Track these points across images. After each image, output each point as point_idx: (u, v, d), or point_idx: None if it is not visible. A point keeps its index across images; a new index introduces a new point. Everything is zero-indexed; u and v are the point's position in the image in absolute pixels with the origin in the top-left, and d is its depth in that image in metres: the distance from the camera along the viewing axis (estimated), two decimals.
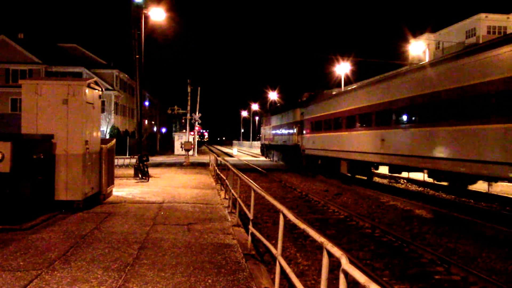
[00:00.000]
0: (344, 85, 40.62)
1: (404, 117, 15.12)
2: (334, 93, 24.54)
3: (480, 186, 14.58)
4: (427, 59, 36.81)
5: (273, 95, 72.35)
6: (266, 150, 44.42)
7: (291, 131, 31.78)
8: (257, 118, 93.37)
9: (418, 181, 20.69)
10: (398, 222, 11.37)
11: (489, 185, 15.87)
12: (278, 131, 36.89)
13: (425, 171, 15.87)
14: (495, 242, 9.21)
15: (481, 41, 43.06)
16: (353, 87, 21.91)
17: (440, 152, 12.87)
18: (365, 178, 20.84)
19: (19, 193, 8.02)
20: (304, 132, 27.81)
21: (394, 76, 17.00)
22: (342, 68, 41.80)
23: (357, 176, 20.96)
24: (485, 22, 51.45)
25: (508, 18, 52.01)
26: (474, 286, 6.70)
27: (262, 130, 47.00)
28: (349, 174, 21.06)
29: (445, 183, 15.05)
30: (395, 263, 7.76)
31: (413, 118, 14.39)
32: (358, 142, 18.84)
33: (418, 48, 41.71)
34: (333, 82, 47.11)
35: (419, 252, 8.31)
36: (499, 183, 13.97)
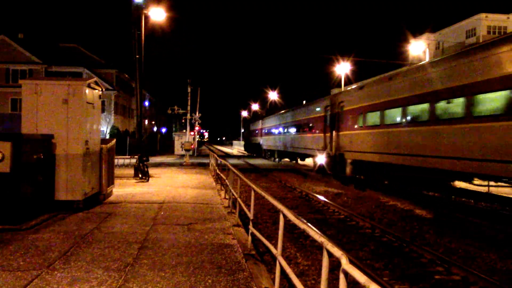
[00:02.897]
0: (344, 85, 40.64)
1: (284, 130, 35.31)
2: (279, 112, 43.69)
3: (480, 187, 14.60)
4: (427, 59, 36.86)
5: (273, 95, 72.43)
6: (246, 146, 65.26)
7: (257, 133, 51.64)
8: None
9: None
10: (398, 222, 11.37)
11: (488, 184, 15.98)
12: (252, 134, 57.12)
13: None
14: (495, 242, 9.22)
15: (481, 41, 43.00)
16: (279, 112, 42.59)
17: (296, 143, 30.65)
18: (294, 161, 36.92)
19: (19, 193, 8.02)
20: (262, 135, 47.39)
21: (283, 112, 38.84)
22: (342, 68, 41.83)
23: (298, 161, 36.62)
24: (485, 22, 51.47)
25: (508, 18, 52.03)
26: (474, 286, 6.70)
27: (245, 133, 69.26)
28: (277, 158, 39.93)
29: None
30: (395, 263, 7.76)
31: (286, 130, 34.69)
32: (279, 140, 37.55)
33: (418, 48, 41.70)
34: (333, 81, 47.35)
35: (419, 252, 8.31)
36: (499, 184, 14.06)
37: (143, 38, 20.10)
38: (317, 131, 24.72)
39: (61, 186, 9.64)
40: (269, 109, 68.93)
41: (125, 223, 8.63)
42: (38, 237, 7.24)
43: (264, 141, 45.29)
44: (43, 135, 9.39)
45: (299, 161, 35.05)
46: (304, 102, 38.18)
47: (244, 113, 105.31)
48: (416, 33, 52.65)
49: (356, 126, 18.27)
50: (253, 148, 55.09)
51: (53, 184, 9.58)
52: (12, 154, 7.82)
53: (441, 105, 12.31)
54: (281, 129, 36.62)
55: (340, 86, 42.85)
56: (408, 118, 14.17)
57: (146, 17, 20.50)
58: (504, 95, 9.94)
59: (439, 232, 10.10)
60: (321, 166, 23.44)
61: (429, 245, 8.94)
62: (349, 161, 18.94)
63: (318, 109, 25.24)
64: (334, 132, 21.13)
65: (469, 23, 53.26)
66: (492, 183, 13.17)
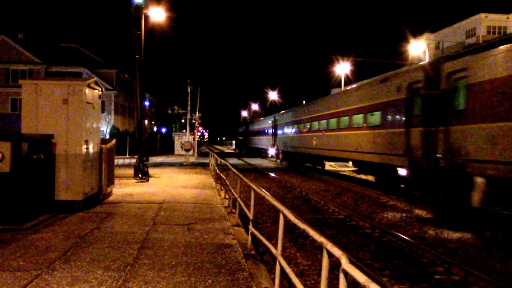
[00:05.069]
0: (344, 85, 40.64)
1: (256, 133, 53.40)
2: (255, 119, 63.36)
3: None
4: (427, 59, 36.88)
5: (273, 95, 72.52)
6: (237, 145, 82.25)
7: (244, 134, 67.70)
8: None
9: None
10: (398, 222, 11.37)
11: None
12: (240, 135, 74.36)
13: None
14: (495, 242, 9.22)
15: (481, 41, 43.01)
16: (258, 119, 58.51)
17: (262, 142, 48.27)
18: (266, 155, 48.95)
19: (19, 193, 8.02)
20: (247, 136, 63.34)
21: (255, 121, 60.77)
22: (342, 68, 41.84)
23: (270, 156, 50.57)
24: (485, 22, 51.49)
25: (508, 18, 52.05)
26: (474, 286, 6.70)
27: (237, 134, 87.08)
28: (255, 152, 53.93)
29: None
30: (395, 263, 7.76)
31: (259, 132, 51.47)
32: (255, 140, 53.69)
33: (418, 48, 41.72)
34: (333, 81, 47.49)
35: (419, 252, 8.31)
36: None
37: (143, 38, 20.11)
38: (269, 135, 42.21)
39: (61, 186, 9.65)
40: (269, 109, 74.23)
41: (125, 223, 8.63)
42: (38, 237, 7.24)
43: (248, 141, 62.47)
44: (43, 135, 9.39)
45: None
46: (304, 101, 40.08)
47: (244, 113, 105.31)
48: (416, 33, 52.69)
49: (281, 132, 36.10)
50: (241, 146, 71.10)
51: (53, 184, 9.58)
52: (12, 154, 7.82)
53: (302, 124, 28.96)
54: (255, 132, 53.92)
55: (340, 86, 42.88)
56: (299, 130, 29.47)
57: (146, 17, 20.51)
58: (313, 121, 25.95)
59: (439, 232, 10.10)
60: (272, 156, 41.63)
61: (429, 245, 8.94)
62: (281, 151, 36.09)
63: (269, 121, 43.11)
64: (276, 135, 38.29)
65: (469, 23, 53.28)
66: None
